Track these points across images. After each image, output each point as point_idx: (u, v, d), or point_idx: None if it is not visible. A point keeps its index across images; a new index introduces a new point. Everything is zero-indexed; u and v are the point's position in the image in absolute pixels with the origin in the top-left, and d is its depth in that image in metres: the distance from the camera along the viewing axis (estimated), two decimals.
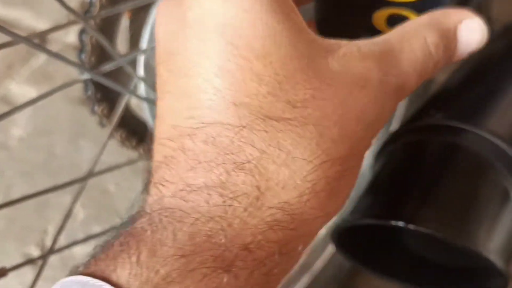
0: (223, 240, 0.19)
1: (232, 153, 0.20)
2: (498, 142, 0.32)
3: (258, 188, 0.20)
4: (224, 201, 0.19)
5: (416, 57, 0.24)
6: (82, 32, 0.45)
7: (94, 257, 0.19)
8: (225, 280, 0.18)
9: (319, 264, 0.53)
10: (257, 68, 0.20)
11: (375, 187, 0.33)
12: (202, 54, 0.21)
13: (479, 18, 0.26)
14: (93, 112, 0.48)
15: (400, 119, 0.49)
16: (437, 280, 0.36)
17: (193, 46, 0.21)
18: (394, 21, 0.29)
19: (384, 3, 0.29)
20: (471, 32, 0.25)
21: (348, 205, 0.32)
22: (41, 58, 0.79)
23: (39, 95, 0.32)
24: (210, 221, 0.19)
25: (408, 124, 0.35)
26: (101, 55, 0.45)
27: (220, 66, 0.21)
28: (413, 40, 0.24)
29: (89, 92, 0.46)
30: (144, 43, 0.45)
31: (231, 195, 0.19)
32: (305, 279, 0.52)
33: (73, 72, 0.47)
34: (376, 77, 0.22)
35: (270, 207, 0.20)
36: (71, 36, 0.78)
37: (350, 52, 0.22)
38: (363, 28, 0.30)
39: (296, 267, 0.46)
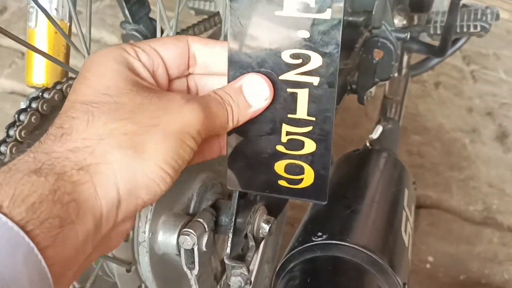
0: (32, 156, 0.28)
1: (56, 123, 0.30)
2: (368, 252, 0.43)
3: (65, 133, 0.29)
4: (39, 143, 0.29)
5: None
6: None
7: None
8: (34, 177, 0.27)
9: None
10: (93, 83, 0.32)
11: None
12: (74, 86, 0.33)
13: (258, 75, 0.37)
14: None
15: None
16: None
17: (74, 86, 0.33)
18: (291, 169, 0.40)
19: (282, 155, 0.39)
20: (252, 85, 0.36)
21: None
22: None
23: None
24: (27, 153, 0.29)
25: (302, 244, 0.45)
26: None
27: (77, 89, 0.32)
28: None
29: None
30: None
31: (44, 139, 0.29)
32: None
33: None
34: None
35: (72, 141, 0.29)
36: None
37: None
38: (267, 174, 0.40)
39: None
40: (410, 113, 1.59)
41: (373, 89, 0.68)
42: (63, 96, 0.52)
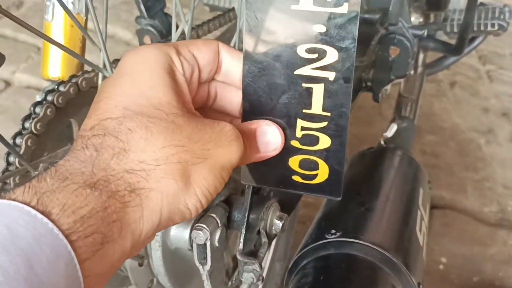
0: (90, 169, 0.28)
1: (112, 131, 0.30)
2: (383, 250, 0.42)
3: (123, 149, 0.29)
4: (96, 152, 0.29)
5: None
6: None
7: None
8: (88, 191, 0.27)
9: None
10: (148, 94, 0.32)
11: None
12: (114, 86, 0.32)
13: (274, 125, 0.37)
14: None
15: None
16: None
17: (112, 84, 0.32)
18: (305, 164, 0.39)
19: (296, 151, 0.39)
20: (265, 133, 0.37)
21: None
22: None
23: None
24: (82, 162, 0.28)
25: (315, 241, 0.45)
26: None
27: (124, 92, 0.31)
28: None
29: None
30: None
31: (102, 150, 0.29)
32: None
33: None
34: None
35: (130, 160, 0.29)
36: None
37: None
38: (281, 168, 0.40)
39: None
40: (425, 112, 1.57)
41: (388, 87, 0.67)
42: (79, 90, 0.52)
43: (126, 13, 1.81)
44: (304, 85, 0.38)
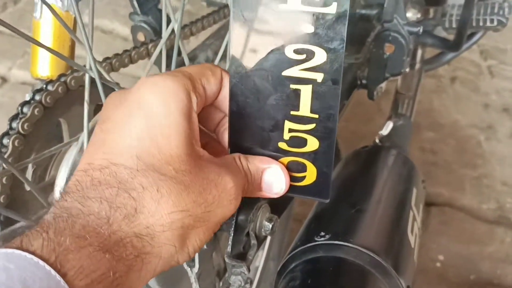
0: (106, 233, 0.28)
1: (125, 184, 0.30)
2: (372, 254, 0.42)
3: (135, 209, 0.29)
4: (110, 209, 0.29)
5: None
6: None
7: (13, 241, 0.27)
8: (101, 255, 0.27)
9: None
10: (161, 144, 0.31)
11: None
12: (126, 123, 0.31)
13: (280, 167, 0.38)
14: None
15: None
16: None
17: (122, 117, 0.32)
18: (293, 166, 0.39)
19: (284, 153, 0.38)
20: (272, 175, 0.38)
21: None
22: None
23: None
24: (98, 220, 0.28)
25: (304, 244, 0.44)
26: None
27: (137, 135, 0.31)
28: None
29: None
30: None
31: (115, 207, 0.29)
32: None
33: None
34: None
35: (139, 224, 0.29)
36: None
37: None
38: None
39: None
40: (425, 108, 1.56)
41: (383, 85, 0.67)
42: (67, 89, 0.51)
43: (124, 9, 1.79)
44: (292, 86, 0.37)
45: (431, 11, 1.00)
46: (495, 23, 0.89)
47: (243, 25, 0.36)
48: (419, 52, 1.01)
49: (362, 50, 0.70)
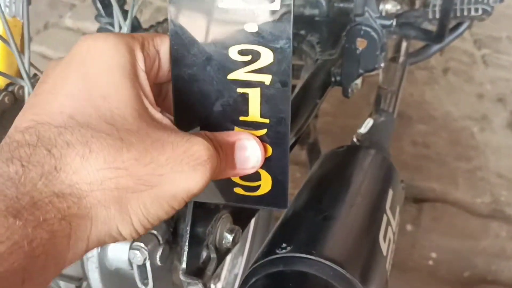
0: (14, 194, 0.24)
1: (46, 142, 0.26)
2: (336, 266, 0.39)
3: (54, 167, 0.26)
4: (22, 168, 0.25)
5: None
6: None
7: None
8: (11, 220, 0.23)
9: None
10: (98, 103, 0.28)
11: None
12: (62, 83, 0.28)
13: (255, 139, 0.34)
14: None
15: None
16: None
17: (58, 77, 0.29)
18: (247, 175, 0.36)
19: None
20: (246, 148, 0.33)
21: None
22: None
23: None
24: (6, 181, 0.24)
25: (265, 256, 0.41)
26: None
27: (72, 94, 0.28)
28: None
29: None
30: None
31: (30, 166, 0.25)
32: None
33: None
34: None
35: (60, 182, 0.26)
36: None
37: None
38: (221, 181, 0.36)
39: None
40: (416, 101, 1.53)
41: (358, 81, 0.63)
42: (15, 99, 0.49)
43: None
44: (239, 90, 0.34)
45: (417, 2, 0.97)
46: (480, 12, 0.86)
47: (181, 26, 0.33)
48: (404, 44, 0.98)
49: (337, 46, 0.67)
